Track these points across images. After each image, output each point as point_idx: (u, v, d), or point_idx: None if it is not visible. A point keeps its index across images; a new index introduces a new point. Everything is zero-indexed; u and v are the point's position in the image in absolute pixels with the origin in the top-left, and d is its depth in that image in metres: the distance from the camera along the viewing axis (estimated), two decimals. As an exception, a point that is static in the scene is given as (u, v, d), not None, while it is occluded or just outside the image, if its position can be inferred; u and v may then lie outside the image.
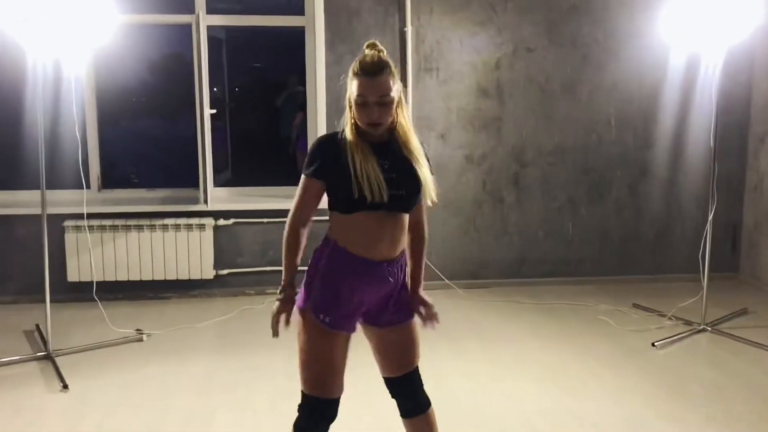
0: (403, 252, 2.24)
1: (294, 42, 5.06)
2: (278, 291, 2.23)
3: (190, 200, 4.88)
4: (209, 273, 4.86)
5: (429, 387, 2.36)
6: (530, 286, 5.14)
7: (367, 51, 2.11)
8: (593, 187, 5.18)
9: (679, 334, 4.17)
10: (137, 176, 8.87)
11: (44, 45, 3.69)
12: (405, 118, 2.18)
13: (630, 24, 4.98)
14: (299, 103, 7.78)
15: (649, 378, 3.61)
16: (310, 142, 5.00)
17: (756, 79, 5.12)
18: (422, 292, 2.32)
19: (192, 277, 4.84)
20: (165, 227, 4.75)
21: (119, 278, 4.76)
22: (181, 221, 4.77)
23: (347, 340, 2.20)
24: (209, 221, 4.81)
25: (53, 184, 4.67)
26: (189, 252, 4.80)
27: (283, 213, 4.94)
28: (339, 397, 2.21)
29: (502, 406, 3.31)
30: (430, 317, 2.29)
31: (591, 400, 3.37)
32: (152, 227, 4.75)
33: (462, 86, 4.96)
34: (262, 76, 9.80)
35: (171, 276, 4.81)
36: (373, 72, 2.04)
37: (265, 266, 4.98)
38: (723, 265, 5.26)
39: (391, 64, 2.09)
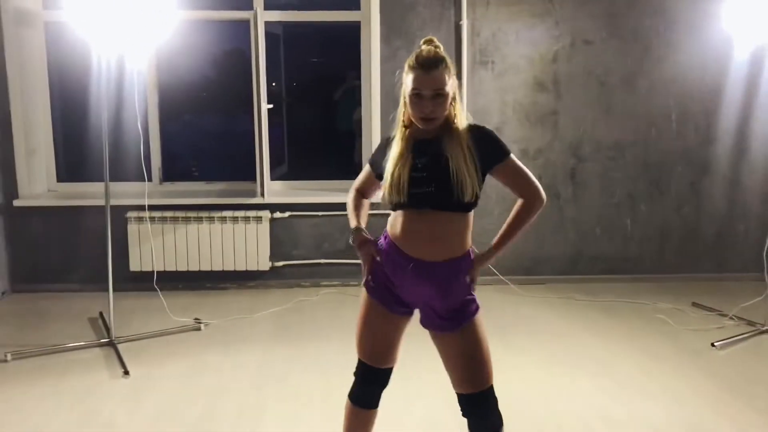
0: (454, 258, 2.15)
1: (351, 36, 5.08)
2: (351, 237, 2.31)
3: (248, 193, 4.97)
4: (265, 265, 4.94)
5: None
6: (586, 283, 5.06)
7: (423, 46, 2.13)
8: (653, 183, 5.06)
9: (741, 334, 4.05)
10: (197, 169, 9.07)
11: (109, 41, 3.81)
12: (460, 114, 2.17)
13: (692, 15, 4.84)
14: (357, 98, 7.82)
15: (709, 379, 3.52)
16: (365, 135, 5.03)
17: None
18: (486, 259, 2.20)
19: (249, 269, 4.93)
20: (223, 219, 4.86)
21: (179, 268, 4.89)
22: (239, 213, 4.87)
23: (390, 316, 2.25)
24: (266, 214, 4.89)
25: (117, 176, 4.83)
26: (246, 244, 4.89)
27: (338, 206, 5.07)
28: (385, 368, 2.31)
29: (557, 404, 3.28)
30: (472, 273, 2.20)
31: (649, 401, 3.30)
32: (211, 219, 4.86)
33: (518, 79, 4.91)
34: (319, 71, 9.89)
35: (229, 267, 4.91)
36: (429, 66, 2.06)
37: (320, 258, 5.04)
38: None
39: (448, 59, 2.10)
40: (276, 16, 4.97)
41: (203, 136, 10.35)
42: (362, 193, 2.42)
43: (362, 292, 2.31)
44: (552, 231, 5.06)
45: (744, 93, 4.93)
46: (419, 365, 3.31)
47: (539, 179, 2.28)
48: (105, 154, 3.94)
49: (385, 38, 4.84)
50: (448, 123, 2.15)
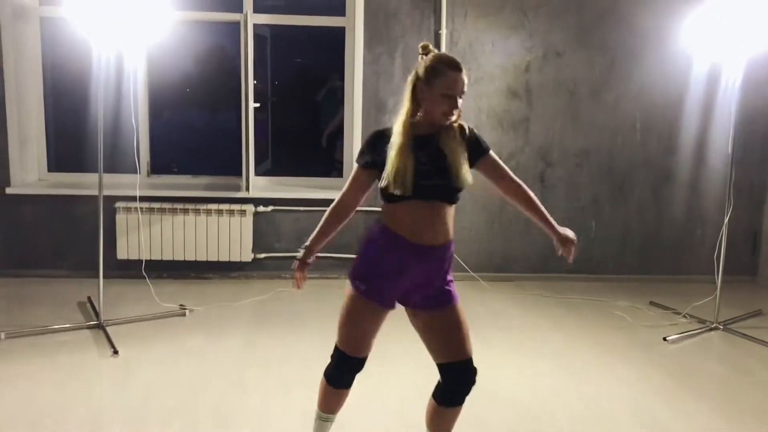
0: (449, 243, 2.40)
1: (336, 40, 5.33)
2: (301, 251, 2.54)
3: (233, 187, 5.19)
4: (248, 256, 5.17)
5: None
6: (554, 281, 5.35)
7: (435, 52, 2.37)
8: (616, 188, 5.37)
9: (692, 330, 4.35)
10: (177, 165, 9.21)
11: (105, 38, 4.02)
12: (458, 110, 2.39)
13: (657, 32, 5.15)
14: (339, 98, 8.06)
15: (657, 369, 3.81)
16: (347, 136, 5.28)
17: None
18: (561, 229, 2.50)
19: (232, 260, 5.16)
20: (208, 212, 5.07)
21: (165, 258, 5.10)
22: (224, 207, 5.09)
23: (381, 312, 2.42)
24: (250, 207, 5.12)
25: (108, 168, 5.02)
26: (230, 236, 5.11)
27: (319, 202, 5.33)
28: (365, 356, 2.50)
29: (518, 388, 3.55)
30: (567, 251, 2.50)
31: (600, 387, 3.59)
32: (197, 211, 5.07)
33: (492, 87, 5.19)
34: (303, 71, 10.10)
35: (213, 257, 5.13)
36: (460, 68, 2.31)
37: (300, 251, 5.26)
38: (742, 269, 5.42)
39: None
40: (264, 19, 5.20)
41: (188, 132, 10.49)
42: (345, 208, 2.49)
43: (348, 287, 2.46)
44: (522, 232, 5.34)
45: (703, 106, 5.26)
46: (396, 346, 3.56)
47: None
48: (100, 146, 4.14)
49: (368, 44, 5.09)
50: (451, 121, 2.36)
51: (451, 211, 2.41)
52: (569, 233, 2.51)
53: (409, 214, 2.34)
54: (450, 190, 2.35)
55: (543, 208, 2.51)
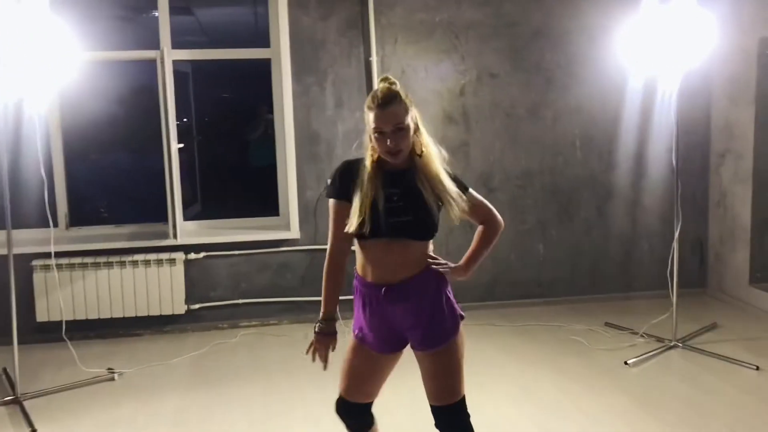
0: (414, 277, 2.25)
1: (262, 71, 5.07)
2: (315, 324, 2.36)
3: (160, 235, 4.84)
4: (181, 308, 4.81)
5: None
6: (504, 308, 5.17)
7: (380, 84, 2.23)
8: (562, 208, 5.25)
9: (651, 351, 4.21)
10: (107, 210, 8.75)
11: (6, 85, 3.67)
12: (425, 144, 2.26)
13: (590, 49, 5.08)
14: (270, 132, 7.71)
15: (623, 396, 3.64)
16: (280, 172, 5.01)
17: (714, 100, 5.26)
18: (462, 268, 2.37)
19: (164, 313, 4.79)
20: (135, 263, 4.71)
21: (90, 317, 4.70)
22: (151, 256, 4.73)
23: (372, 355, 2.35)
24: (179, 255, 4.77)
25: (20, 223, 4.62)
26: (160, 287, 4.76)
27: (254, 245, 5.00)
28: (362, 403, 2.41)
29: (478, 428, 3.31)
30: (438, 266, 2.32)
31: (566, 420, 3.39)
32: (122, 264, 4.70)
33: (428, 113, 5.01)
34: (230, 106, 9.79)
35: (142, 312, 4.76)
36: (385, 103, 2.16)
37: (238, 299, 4.95)
38: (691, 281, 5.35)
39: (402, 93, 2.21)
40: (184, 54, 4.92)
41: (112, 177, 10.01)
42: (341, 250, 2.31)
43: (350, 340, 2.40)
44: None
45: (641, 120, 5.20)
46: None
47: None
48: (6, 200, 3.77)
49: (297, 75, 4.86)
50: (416, 153, 2.25)
51: (423, 248, 2.29)
52: (449, 270, 2.36)
53: (376, 254, 2.25)
54: (422, 228, 2.25)
55: (479, 246, 2.41)
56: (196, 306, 4.89)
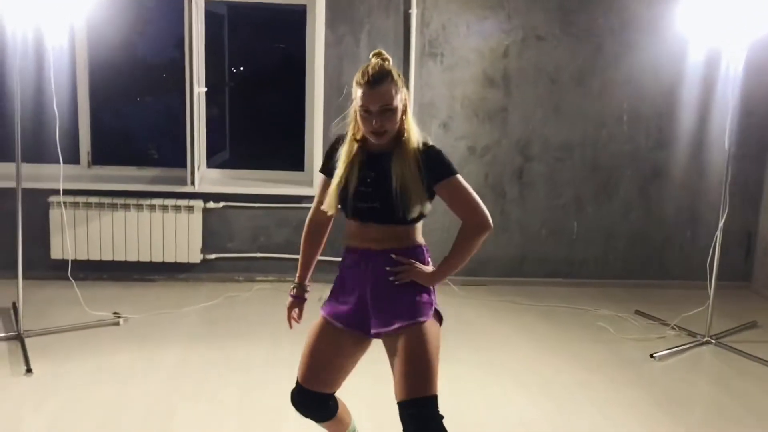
0: (395, 249, 2.15)
1: (303, 21, 4.83)
2: (291, 289, 2.35)
3: (181, 181, 4.70)
4: (197, 257, 4.70)
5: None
6: (530, 286, 4.92)
7: (372, 60, 2.11)
8: (601, 186, 4.93)
9: (681, 345, 3.93)
10: (157, 152, 8.67)
11: (25, 13, 3.53)
12: (410, 128, 2.14)
13: (647, 15, 4.70)
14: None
15: (644, 392, 3.39)
16: (308, 124, 4.81)
17: (779, 79, 4.83)
18: (427, 276, 2.17)
19: (179, 260, 4.69)
20: (152, 207, 4.60)
21: (104, 258, 4.63)
22: (170, 202, 4.62)
23: (334, 331, 2.20)
24: (198, 203, 4.65)
25: (39, 158, 4.54)
26: (177, 234, 4.65)
27: (276, 198, 4.84)
28: (321, 392, 2.23)
29: (483, 413, 3.12)
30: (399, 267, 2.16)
31: (578, 414, 3.16)
32: (139, 207, 4.60)
33: (467, 74, 4.73)
34: (270, 55, 9.59)
35: (157, 258, 4.67)
36: (375, 81, 2.04)
37: (256, 252, 4.82)
38: (735, 274, 5.01)
39: (395, 72, 2.09)
40: (214, -6, 4.71)
41: (143, 119, 9.95)
42: (318, 220, 2.32)
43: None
44: (497, 231, 4.88)
45: (698, 96, 4.81)
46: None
47: (486, 177, 2.17)
48: (17, 132, 3.67)
49: (331, 24, 4.61)
50: (400, 137, 2.12)
51: (403, 231, 2.18)
52: (414, 269, 2.16)
53: (355, 230, 2.21)
54: (389, 215, 2.12)
55: (452, 252, 2.20)
56: (213, 256, 4.77)
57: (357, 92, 2.07)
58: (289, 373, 3.45)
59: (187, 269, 4.77)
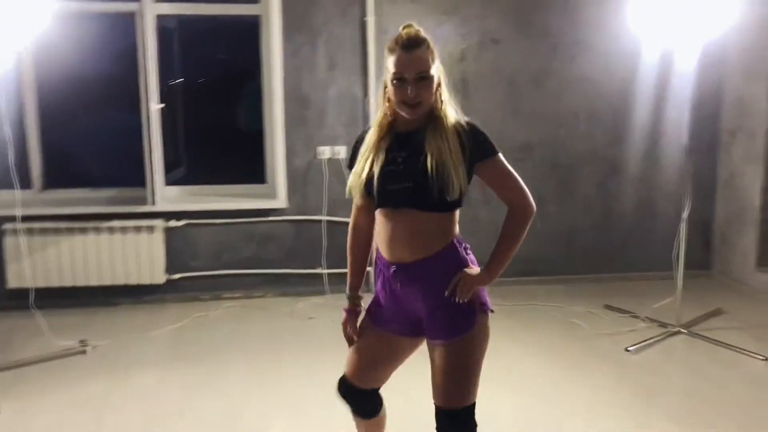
0: (430, 257, 1.97)
1: (256, 31, 4.75)
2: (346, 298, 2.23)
3: (139, 200, 4.58)
4: (160, 277, 4.58)
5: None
6: (499, 286, 4.82)
7: (404, 30, 1.95)
8: (562, 184, 5.01)
9: (654, 337, 4.00)
10: (93, 172, 8.43)
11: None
12: (445, 103, 1.99)
13: (600, 15, 4.79)
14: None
15: (625, 386, 3.43)
16: (267, 138, 4.74)
17: (727, 74, 4.98)
18: (478, 282, 2.00)
19: (142, 282, 4.56)
20: (111, 229, 4.46)
21: (64, 284, 4.46)
22: (129, 223, 4.49)
23: (380, 334, 2.12)
24: (159, 223, 4.52)
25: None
26: (139, 255, 4.52)
27: (239, 213, 4.75)
28: (366, 389, 2.17)
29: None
30: (454, 287, 1.98)
31: (563, 409, 3.18)
32: (98, 229, 4.45)
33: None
34: (222, 67, 9.44)
35: (119, 281, 4.53)
36: (411, 46, 1.89)
37: (221, 269, 4.71)
38: (694, 263, 5.11)
39: (430, 41, 1.94)
40: (166, 8, 4.58)
41: (102, 138, 9.68)
42: (359, 224, 2.13)
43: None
44: (464, 234, 4.90)
45: (651, 93, 4.92)
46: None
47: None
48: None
49: (287, 34, 4.56)
50: (434, 113, 1.96)
51: (439, 222, 1.98)
52: (467, 279, 2.00)
53: (383, 226, 2.00)
54: (425, 197, 1.92)
55: (500, 244, 2.08)
56: (177, 276, 4.65)
57: (389, 60, 1.91)
58: (271, 390, 3.41)
59: (152, 291, 4.64)
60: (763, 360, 3.71)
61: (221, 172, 7.17)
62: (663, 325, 4.16)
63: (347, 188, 2.06)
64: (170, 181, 4.91)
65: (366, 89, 4.64)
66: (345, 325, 2.18)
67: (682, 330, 4.08)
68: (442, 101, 1.98)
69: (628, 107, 4.95)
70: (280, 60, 4.55)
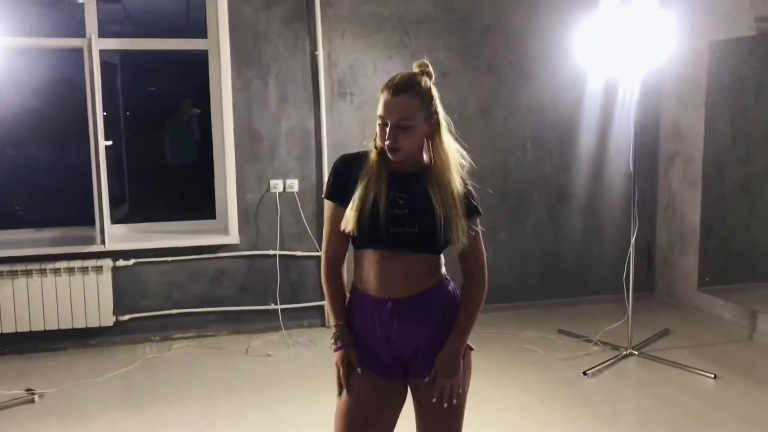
0: (423, 292, 1.95)
1: (194, 64, 4.71)
2: (331, 339, 2.02)
3: (85, 240, 4.44)
4: (108, 319, 4.43)
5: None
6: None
7: (414, 68, 1.95)
8: (512, 211, 5.10)
9: (608, 360, 4.09)
10: (23, 209, 8.15)
11: None
12: (444, 152, 1.95)
13: (544, 47, 4.94)
14: (192, 127, 7.20)
15: (585, 410, 3.50)
16: (218, 173, 4.68)
17: (664, 102, 5.20)
18: (451, 355, 1.96)
19: (89, 325, 4.40)
20: (57, 271, 4.30)
21: (5, 330, 4.26)
22: (75, 263, 4.33)
23: (378, 386, 1.97)
24: (107, 262, 4.39)
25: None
26: (85, 297, 4.36)
27: (190, 250, 4.65)
28: None
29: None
30: (441, 389, 1.96)
31: (530, 439, 3.22)
32: (42, 272, 4.28)
33: (376, 112, 4.77)
34: (159, 100, 9.30)
35: (65, 325, 4.35)
36: (398, 90, 1.85)
37: (171, 309, 4.60)
38: (639, 285, 5.22)
39: (425, 87, 1.91)
40: (112, 44, 4.52)
41: (34, 173, 9.37)
42: (337, 256, 2.02)
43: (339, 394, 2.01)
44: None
45: (594, 121, 5.08)
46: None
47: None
48: None
49: (237, 68, 4.53)
50: (431, 160, 1.95)
51: (432, 262, 1.97)
52: (447, 371, 1.97)
53: (378, 265, 1.93)
54: (431, 243, 1.92)
55: (463, 319, 2.01)
56: (126, 317, 4.51)
57: (380, 99, 1.89)
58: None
59: (99, 333, 4.48)
60: (712, 378, 3.84)
61: (164, 208, 7.05)
62: (615, 347, 4.26)
63: (344, 220, 1.92)
64: (114, 219, 4.78)
65: (318, 122, 4.64)
66: (342, 365, 1.98)
67: (634, 351, 4.19)
68: (441, 150, 1.94)
69: (572, 136, 5.10)
70: (230, 94, 4.51)
